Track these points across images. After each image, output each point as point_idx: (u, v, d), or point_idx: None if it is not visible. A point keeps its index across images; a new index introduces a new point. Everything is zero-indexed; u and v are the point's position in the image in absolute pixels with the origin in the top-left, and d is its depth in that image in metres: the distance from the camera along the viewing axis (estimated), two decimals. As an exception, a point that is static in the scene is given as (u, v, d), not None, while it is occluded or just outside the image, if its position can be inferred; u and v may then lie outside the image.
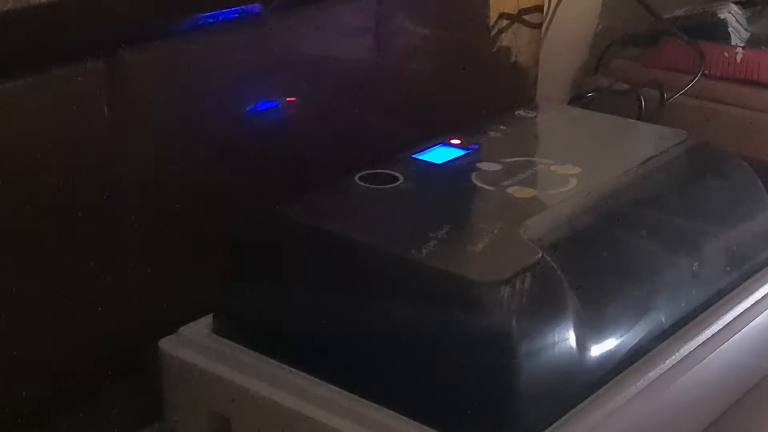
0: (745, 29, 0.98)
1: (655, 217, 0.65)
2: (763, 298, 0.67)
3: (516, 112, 0.79)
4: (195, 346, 0.60)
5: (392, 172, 0.66)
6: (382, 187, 0.64)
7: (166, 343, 0.61)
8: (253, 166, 0.67)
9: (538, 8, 0.92)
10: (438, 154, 0.70)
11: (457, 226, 0.61)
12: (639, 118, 0.88)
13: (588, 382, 0.56)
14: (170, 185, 0.63)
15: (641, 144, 0.75)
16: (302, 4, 0.70)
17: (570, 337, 0.55)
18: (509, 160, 0.69)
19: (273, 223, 0.62)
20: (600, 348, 0.56)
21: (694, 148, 0.73)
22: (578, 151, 0.72)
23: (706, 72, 0.93)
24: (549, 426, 0.53)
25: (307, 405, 0.56)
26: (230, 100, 0.66)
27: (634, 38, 1.02)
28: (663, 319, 0.61)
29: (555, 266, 0.56)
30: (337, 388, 0.56)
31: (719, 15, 0.96)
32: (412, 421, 0.53)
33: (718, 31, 0.96)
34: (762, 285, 0.67)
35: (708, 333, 0.62)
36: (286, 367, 0.58)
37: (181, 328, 0.61)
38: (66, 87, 0.57)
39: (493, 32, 0.88)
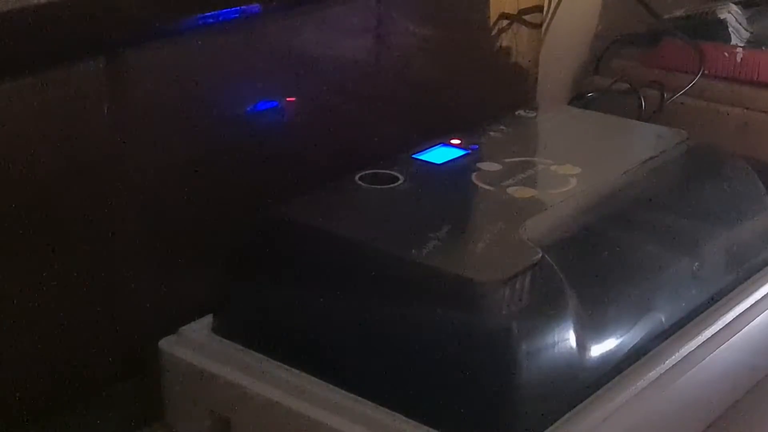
0: (745, 29, 0.98)
1: (655, 217, 0.65)
2: (763, 298, 0.67)
3: (516, 112, 0.79)
4: (195, 346, 0.60)
5: (392, 172, 0.66)
6: (382, 187, 0.64)
7: (166, 343, 0.61)
8: (253, 166, 0.67)
9: (538, 8, 0.92)
10: (438, 154, 0.70)
11: (457, 226, 0.61)
12: (639, 118, 0.88)
13: (588, 382, 0.56)
14: (170, 185, 0.63)
15: (641, 144, 0.75)
16: (302, 4, 0.70)
17: (570, 337, 0.55)
18: (509, 160, 0.69)
19: (273, 223, 0.62)
20: (600, 348, 0.56)
21: (694, 148, 0.73)
22: (578, 151, 0.72)
23: (706, 72, 0.93)
24: (549, 426, 0.53)
25: (307, 405, 0.56)
26: (230, 100, 0.66)
27: (634, 38, 1.02)
28: (663, 319, 0.61)
29: (555, 266, 0.56)
30: (337, 388, 0.56)
31: (719, 15, 0.96)
32: (412, 421, 0.53)
33: (718, 31, 0.96)
34: (762, 285, 0.67)
35: (708, 333, 0.62)
36: (286, 367, 0.58)
37: (181, 328, 0.61)
38: (66, 87, 0.57)
39: (493, 32, 0.88)
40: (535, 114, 0.79)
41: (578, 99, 0.97)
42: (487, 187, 0.65)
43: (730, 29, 0.96)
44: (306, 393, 0.56)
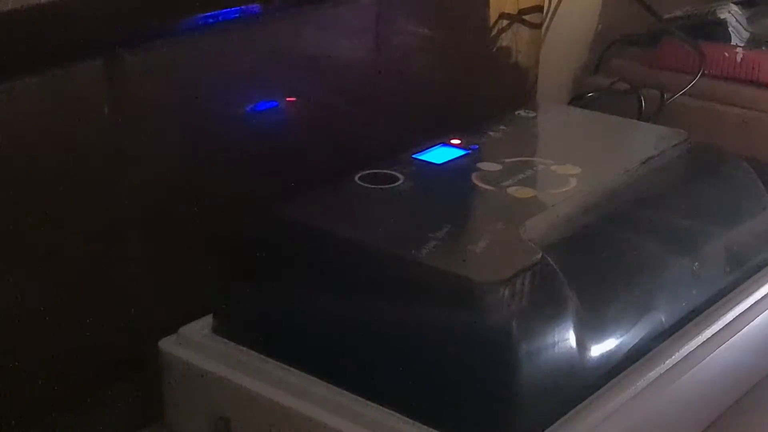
0: (745, 29, 0.98)
1: (655, 217, 0.65)
2: (763, 298, 0.67)
3: (516, 112, 0.79)
4: (195, 346, 0.60)
5: (392, 172, 0.66)
6: (382, 187, 0.64)
7: (166, 343, 0.61)
8: (253, 166, 0.67)
9: (538, 8, 0.92)
10: (438, 154, 0.70)
11: (457, 226, 0.61)
12: (639, 118, 0.88)
13: (588, 382, 0.56)
14: (170, 185, 0.63)
15: (641, 144, 0.75)
16: (302, 4, 0.70)
17: (570, 337, 0.55)
18: (509, 160, 0.69)
19: (273, 223, 0.62)
20: (600, 348, 0.56)
21: (694, 148, 0.73)
22: (578, 151, 0.72)
23: (706, 72, 0.93)
24: (549, 426, 0.53)
25: (307, 405, 0.56)
26: (230, 100, 0.66)
27: (634, 38, 1.02)
28: (663, 319, 0.61)
29: (555, 266, 0.56)
30: (337, 388, 0.56)
31: (719, 15, 0.96)
32: (412, 421, 0.53)
33: (718, 31, 0.96)
34: (762, 285, 0.67)
35: (708, 333, 0.62)
36: (286, 367, 0.58)
37: (181, 328, 0.61)
38: (66, 87, 0.57)
39: (493, 32, 0.88)
40: (535, 114, 0.79)
41: (578, 99, 0.97)
42: (487, 187, 0.65)
43: (730, 29, 0.96)
44: (306, 393, 0.56)
